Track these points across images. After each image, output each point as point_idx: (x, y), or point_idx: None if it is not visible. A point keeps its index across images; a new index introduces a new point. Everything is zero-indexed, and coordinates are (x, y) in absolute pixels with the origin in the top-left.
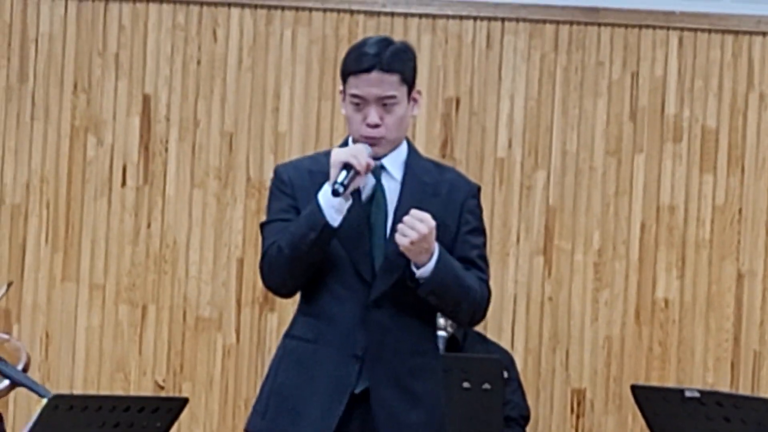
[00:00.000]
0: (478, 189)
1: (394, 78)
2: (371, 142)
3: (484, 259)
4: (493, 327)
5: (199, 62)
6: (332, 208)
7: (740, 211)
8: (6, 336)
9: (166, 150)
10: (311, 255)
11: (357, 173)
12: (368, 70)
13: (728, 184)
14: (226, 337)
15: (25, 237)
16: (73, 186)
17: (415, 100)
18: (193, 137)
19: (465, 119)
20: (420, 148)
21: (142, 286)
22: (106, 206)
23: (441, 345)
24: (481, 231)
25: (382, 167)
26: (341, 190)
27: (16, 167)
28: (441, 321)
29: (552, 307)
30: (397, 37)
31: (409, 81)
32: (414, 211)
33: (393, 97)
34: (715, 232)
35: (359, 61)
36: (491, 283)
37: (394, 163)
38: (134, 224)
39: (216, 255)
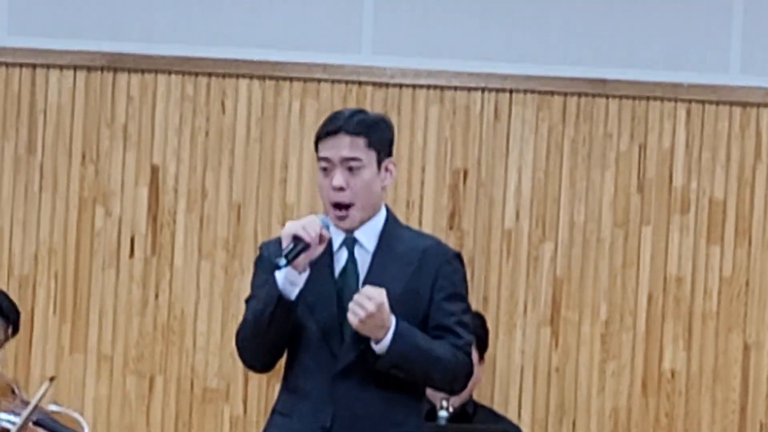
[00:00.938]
0: (455, 255)
1: (360, 141)
2: (339, 213)
3: (463, 325)
4: (500, 397)
5: (207, 133)
6: (286, 280)
7: (747, 282)
8: (61, 409)
9: (174, 221)
10: (272, 329)
11: (307, 245)
12: (334, 133)
13: (735, 256)
14: (234, 408)
15: (33, 307)
16: (81, 257)
17: (387, 170)
18: (201, 208)
19: (473, 190)
20: (427, 219)
21: (150, 357)
22: (114, 277)
23: (443, 422)
24: (458, 297)
25: (355, 240)
26: (282, 263)
27: (24, 238)
28: (441, 402)
29: (559, 378)
30: (405, 109)
31: (378, 147)
32: (364, 288)
33: (358, 159)
34: (722, 303)
35: (327, 125)
36: (497, 352)
37: (369, 234)
38: (142, 295)
39: (223, 326)
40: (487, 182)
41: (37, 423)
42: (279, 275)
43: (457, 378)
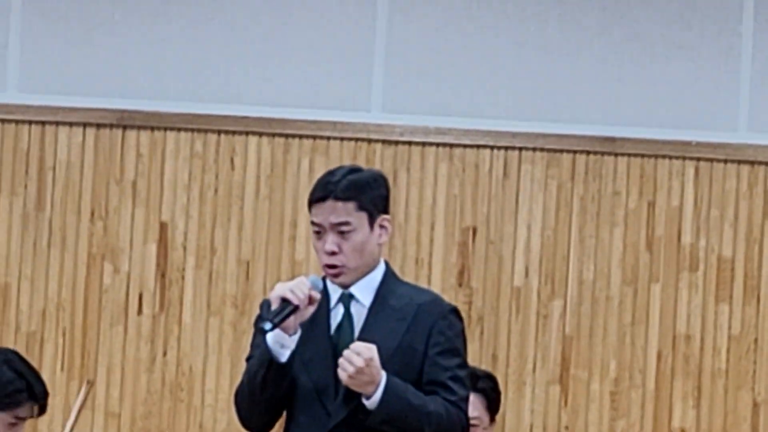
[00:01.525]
0: (452, 309)
1: (350, 205)
2: (332, 272)
3: (458, 380)
4: None
5: (216, 190)
6: (277, 344)
7: (756, 340)
8: None
9: (183, 278)
10: (266, 391)
11: (296, 307)
12: (323, 199)
13: (744, 314)
14: None
15: (41, 364)
16: (90, 313)
17: (382, 227)
18: (210, 265)
19: (482, 248)
20: (436, 276)
21: (158, 414)
22: (122, 334)
23: None
24: (453, 352)
25: (351, 296)
26: (268, 327)
27: (32, 294)
28: None
29: None
30: (415, 166)
31: (369, 208)
32: (354, 344)
33: (347, 223)
34: (731, 361)
35: (315, 190)
36: (507, 410)
37: (365, 290)
38: (150, 352)
39: (232, 382)
40: (496, 240)
41: None
42: (269, 338)
43: None
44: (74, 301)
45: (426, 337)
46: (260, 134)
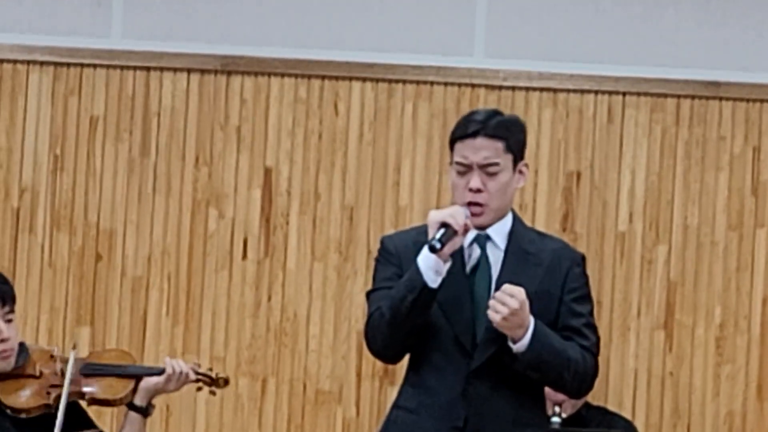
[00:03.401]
0: (583, 258)
1: (499, 145)
2: (476, 210)
3: (590, 327)
4: (613, 402)
5: (320, 136)
6: (430, 269)
7: None
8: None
9: (287, 223)
10: (411, 318)
11: (455, 232)
12: (473, 135)
13: None
14: (346, 411)
15: (146, 309)
16: (194, 259)
17: (521, 173)
18: (314, 210)
19: (586, 193)
20: (540, 222)
21: (263, 359)
22: (227, 279)
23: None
24: (586, 299)
25: (488, 237)
26: (438, 246)
27: (137, 240)
28: (554, 409)
29: (673, 383)
30: (518, 111)
31: (515, 151)
32: (506, 286)
33: (496, 164)
34: None
35: (465, 126)
36: (611, 356)
37: (499, 233)
38: (255, 297)
39: (336, 328)
40: (601, 185)
41: (87, 375)
42: (422, 263)
43: (585, 380)
44: (179, 246)
45: (562, 283)
46: (364, 79)
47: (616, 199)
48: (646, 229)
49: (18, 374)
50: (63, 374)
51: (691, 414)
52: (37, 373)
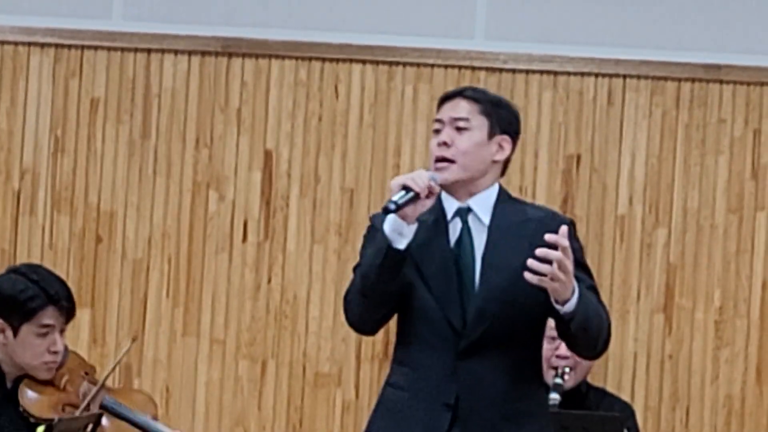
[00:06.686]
0: (571, 222)
1: (474, 106)
2: (440, 165)
3: (594, 290)
4: (612, 384)
5: (320, 118)
6: (394, 231)
7: None
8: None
9: (287, 205)
10: (382, 283)
11: (417, 195)
12: (452, 97)
13: None
14: (346, 393)
15: (146, 292)
16: (194, 241)
17: (501, 147)
18: (314, 193)
19: (586, 176)
20: (540, 203)
21: (262, 342)
22: (226, 261)
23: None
24: (581, 264)
25: (469, 209)
26: (392, 207)
27: (138, 222)
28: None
29: (672, 365)
30: (519, 94)
31: (494, 121)
32: (541, 250)
33: (465, 119)
34: None
35: (448, 94)
36: (612, 340)
37: (482, 206)
38: (255, 279)
39: (336, 311)
40: (600, 168)
41: (103, 407)
42: (387, 225)
43: (608, 339)
44: (179, 228)
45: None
46: (364, 62)
47: (615, 182)
48: (646, 212)
49: (46, 379)
50: (84, 397)
51: (690, 397)
52: (62, 386)
